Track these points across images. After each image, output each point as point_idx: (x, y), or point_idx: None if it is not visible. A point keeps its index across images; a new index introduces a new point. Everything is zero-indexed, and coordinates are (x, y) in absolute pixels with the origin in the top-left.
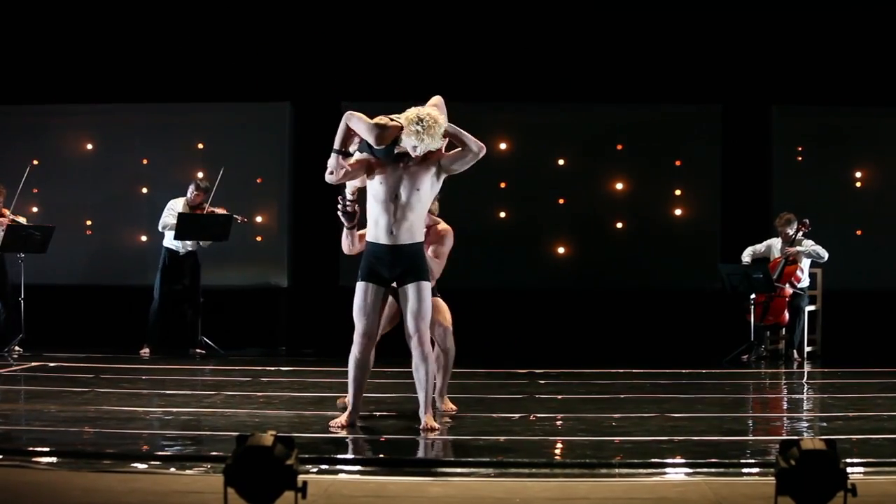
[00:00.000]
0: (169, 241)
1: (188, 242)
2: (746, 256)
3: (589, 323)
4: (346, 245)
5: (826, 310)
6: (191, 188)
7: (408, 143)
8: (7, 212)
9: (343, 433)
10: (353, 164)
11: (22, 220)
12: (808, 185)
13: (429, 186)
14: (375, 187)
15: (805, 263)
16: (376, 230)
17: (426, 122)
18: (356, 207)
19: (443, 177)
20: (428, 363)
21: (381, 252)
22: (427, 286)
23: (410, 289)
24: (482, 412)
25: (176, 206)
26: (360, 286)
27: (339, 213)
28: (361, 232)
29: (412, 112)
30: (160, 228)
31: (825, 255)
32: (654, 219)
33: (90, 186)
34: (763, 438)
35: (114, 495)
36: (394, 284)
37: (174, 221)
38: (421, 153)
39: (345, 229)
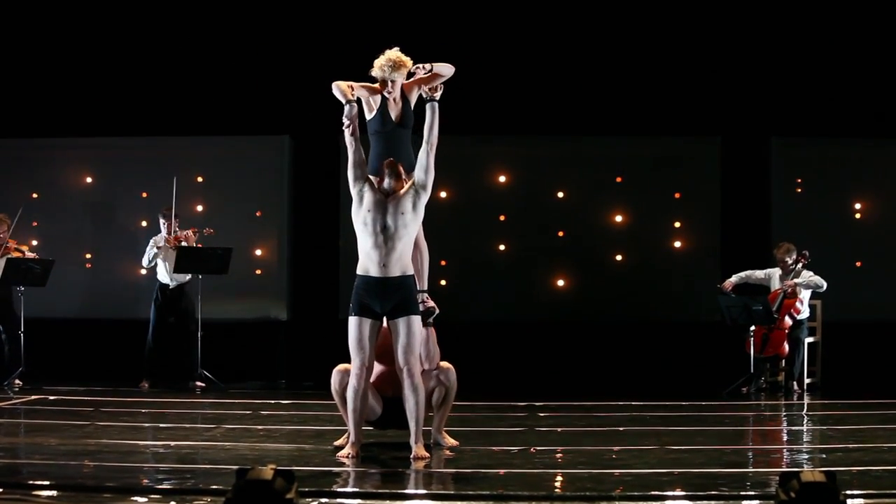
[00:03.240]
0: (161, 275)
1: (178, 276)
2: (738, 277)
3: (589, 355)
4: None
5: (826, 341)
6: (161, 221)
7: (377, 75)
8: (13, 242)
9: (345, 463)
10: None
11: (26, 248)
12: (807, 217)
13: (411, 208)
14: (363, 218)
15: (805, 294)
16: (367, 262)
17: (393, 59)
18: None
19: (423, 197)
20: (418, 394)
21: (371, 285)
22: (416, 320)
23: (401, 323)
24: (482, 445)
25: (154, 241)
26: (352, 321)
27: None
28: None
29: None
30: (144, 265)
31: (824, 284)
32: (653, 251)
33: (90, 220)
34: (763, 470)
35: None
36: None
37: (154, 251)
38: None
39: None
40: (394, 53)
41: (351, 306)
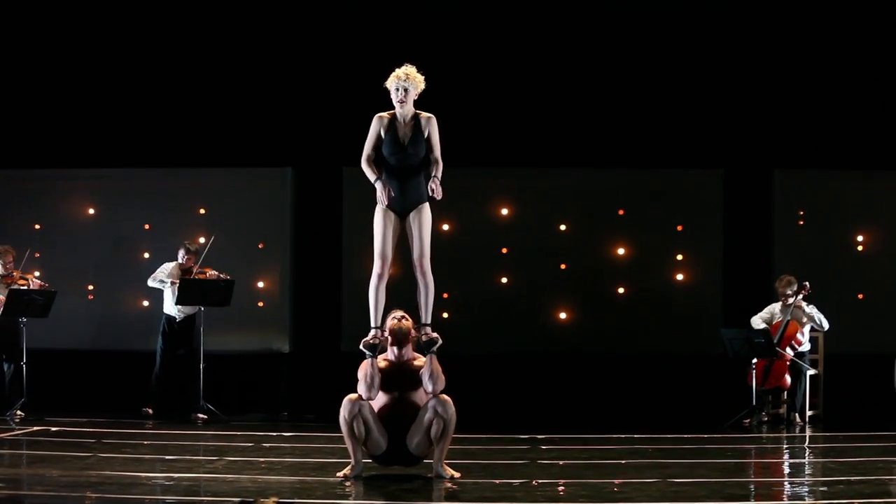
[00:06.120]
0: (168, 307)
1: (185, 308)
2: (759, 320)
3: (591, 388)
4: (364, 388)
5: (828, 373)
6: (181, 252)
7: (391, 86)
8: (18, 273)
9: (348, 492)
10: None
11: (31, 277)
12: (809, 249)
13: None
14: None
15: (806, 327)
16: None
17: (408, 71)
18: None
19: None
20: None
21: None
22: None
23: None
24: (484, 477)
25: (167, 269)
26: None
27: (363, 346)
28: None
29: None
30: (150, 284)
31: (826, 325)
32: (655, 284)
33: (92, 251)
34: (765, 503)
35: None
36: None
37: (159, 286)
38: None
39: (367, 360)
40: (411, 68)
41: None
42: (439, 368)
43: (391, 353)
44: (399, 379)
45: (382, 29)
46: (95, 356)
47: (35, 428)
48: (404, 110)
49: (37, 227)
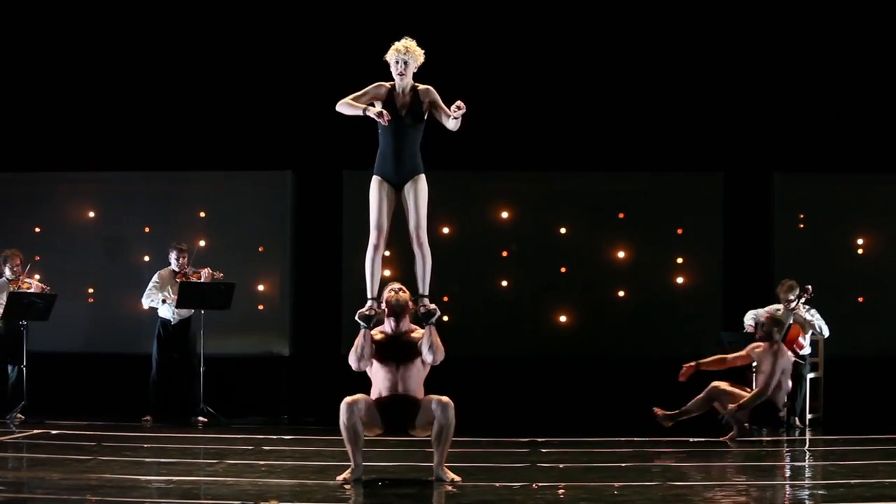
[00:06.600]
0: (163, 310)
1: (181, 311)
2: (749, 319)
3: (591, 391)
4: (354, 358)
5: (828, 377)
6: (172, 255)
7: (391, 59)
8: (24, 276)
9: (348, 495)
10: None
11: (34, 279)
12: (809, 252)
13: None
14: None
15: (808, 331)
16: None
17: (408, 44)
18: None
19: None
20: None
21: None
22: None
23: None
24: (484, 481)
25: (160, 280)
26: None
27: (358, 317)
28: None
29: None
30: (143, 304)
31: (826, 333)
32: (655, 287)
33: (92, 254)
34: None
35: None
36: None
37: (155, 305)
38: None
39: (361, 332)
40: (411, 41)
41: None
42: (439, 339)
43: (389, 325)
44: (397, 350)
45: (382, 32)
46: (96, 359)
47: (35, 431)
48: (403, 82)
49: (37, 230)
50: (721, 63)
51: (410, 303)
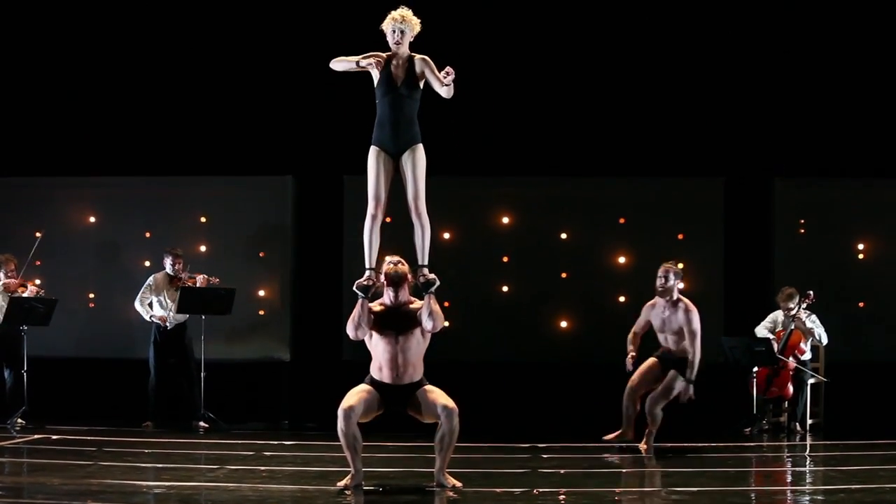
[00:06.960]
0: (155, 309)
1: (176, 316)
2: (763, 329)
3: (592, 396)
4: (352, 327)
5: (828, 382)
6: (168, 261)
7: (387, 28)
8: (20, 280)
9: (348, 501)
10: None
11: (31, 284)
12: (810, 258)
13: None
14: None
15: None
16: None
17: (404, 13)
18: (376, 280)
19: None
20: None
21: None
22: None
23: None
24: (485, 486)
25: (153, 284)
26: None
27: (356, 287)
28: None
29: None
30: (136, 306)
31: (825, 340)
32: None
33: (93, 259)
34: None
35: None
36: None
37: (142, 311)
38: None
39: (359, 302)
40: (407, 10)
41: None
42: (438, 307)
43: (388, 297)
44: (396, 321)
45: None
46: (96, 364)
47: (36, 436)
48: (400, 52)
49: (38, 234)
50: (722, 69)
51: (409, 275)
